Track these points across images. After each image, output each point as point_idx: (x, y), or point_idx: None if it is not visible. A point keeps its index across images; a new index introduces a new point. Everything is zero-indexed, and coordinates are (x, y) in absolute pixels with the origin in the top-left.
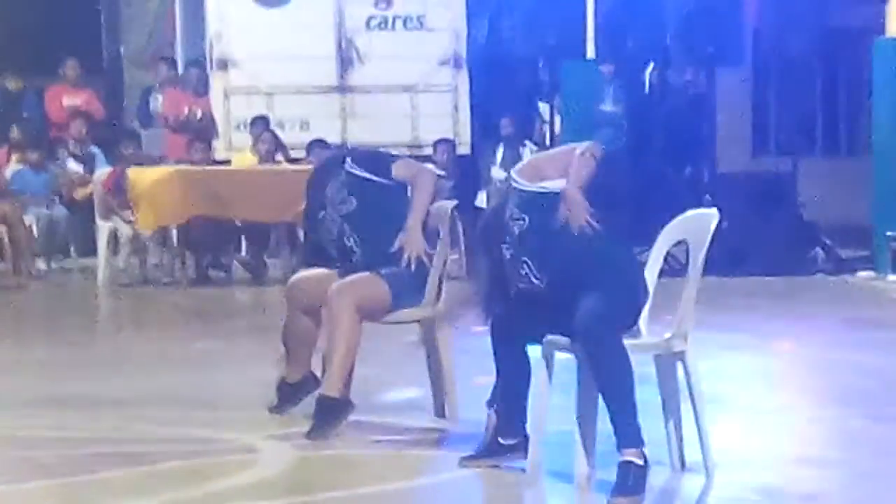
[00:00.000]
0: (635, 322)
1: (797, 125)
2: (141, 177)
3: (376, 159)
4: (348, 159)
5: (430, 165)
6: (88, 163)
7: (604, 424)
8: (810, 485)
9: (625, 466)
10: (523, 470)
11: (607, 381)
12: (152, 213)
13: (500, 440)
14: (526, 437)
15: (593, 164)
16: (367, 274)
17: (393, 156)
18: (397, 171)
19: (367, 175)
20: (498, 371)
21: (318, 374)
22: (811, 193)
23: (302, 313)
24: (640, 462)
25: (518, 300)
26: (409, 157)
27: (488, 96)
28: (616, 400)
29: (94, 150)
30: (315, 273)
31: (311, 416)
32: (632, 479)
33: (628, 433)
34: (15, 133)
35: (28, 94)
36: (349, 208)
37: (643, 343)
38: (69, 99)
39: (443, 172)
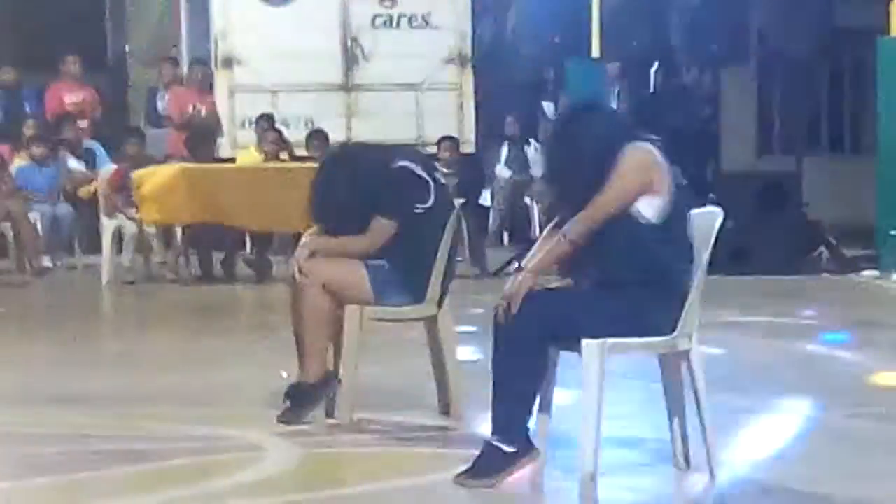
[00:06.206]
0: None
1: (802, 125)
2: (146, 176)
3: (390, 193)
4: (396, 164)
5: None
6: (89, 160)
7: (609, 423)
8: (813, 483)
9: (486, 448)
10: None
11: (507, 370)
12: (156, 209)
13: (502, 447)
14: (529, 445)
15: (567, 250)
16: (348, 259)
17: (390, 208)
18: (374, 221)
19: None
20: (514, 369)
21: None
22: (815, 193)
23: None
24: (509, 449)
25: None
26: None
27: (493, 95)
28: (508, 392)
29: (93, 145)
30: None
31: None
32: (486, 461)
33: (505, 423)
34: (30, 128)
35: (29, 90)
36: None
37: (648, 342)
38: (70, 96)
39: (446, 170)
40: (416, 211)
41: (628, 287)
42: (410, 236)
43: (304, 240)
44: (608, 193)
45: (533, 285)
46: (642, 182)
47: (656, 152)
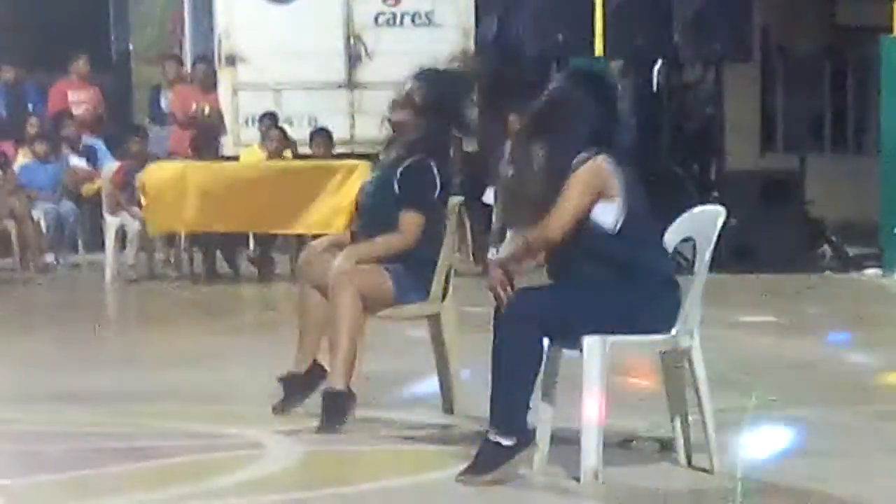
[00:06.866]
0: (632, 331)
1: (805, 123)
2: (151, 180)
3: (412, 188)
4: (404, 166)
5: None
6: (91, 157)
7: (613, 420)
8: (814, 480)
9: (485, 444)
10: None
11: (506, 364)
12: (165, 222)
13: (501, 440)
14: (527, 437)
15: (527, 254)
16: (371, 265)
17: (416, 202)
18: (402, 217)
19: (396, 189)
20: (510, 363)
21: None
22: (818, 191)
23: (315, 288)
24: (507, 442)
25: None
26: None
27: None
28: (507, 385)
29: (94, 142)
30: (330, 246)
31: (320, 411)
32: (486, 456)
33: (503, 416)
34: (33, 126)
35: (31, 88)
36: (368, 202)
37: (649, 340)
38: (74, 94)
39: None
40: (433, 205)
41: (614, 286)
42: (426, 233)
43: (328, 241)
44: (556, 215)
45: (504, 277)
46: (591, 198)
47: (605, 162)
